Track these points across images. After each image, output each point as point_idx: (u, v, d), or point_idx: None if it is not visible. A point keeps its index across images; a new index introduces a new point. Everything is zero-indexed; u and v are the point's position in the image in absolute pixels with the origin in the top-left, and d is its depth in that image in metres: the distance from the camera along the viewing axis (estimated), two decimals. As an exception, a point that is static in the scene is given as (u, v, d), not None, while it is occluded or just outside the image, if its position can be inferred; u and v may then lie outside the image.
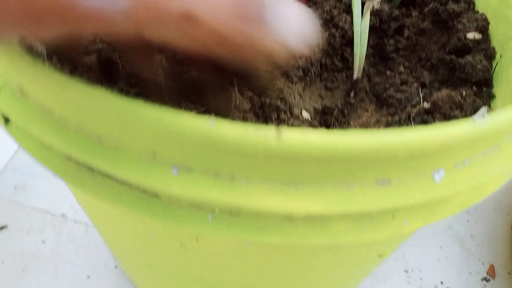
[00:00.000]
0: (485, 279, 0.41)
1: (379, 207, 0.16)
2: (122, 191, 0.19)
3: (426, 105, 0.27)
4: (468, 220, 0.46)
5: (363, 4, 0.31)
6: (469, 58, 0.29)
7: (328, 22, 0.32)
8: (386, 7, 0.32)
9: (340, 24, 0.32)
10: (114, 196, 0.19)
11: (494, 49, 0.29)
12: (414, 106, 0.28)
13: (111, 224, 0.26)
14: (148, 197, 0.18)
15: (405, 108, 0.28)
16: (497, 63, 0.29)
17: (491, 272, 0.42)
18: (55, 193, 0.45)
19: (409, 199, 0.16)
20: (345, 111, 0.30)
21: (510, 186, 0.49)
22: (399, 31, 0.33)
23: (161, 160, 0.16)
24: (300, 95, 0.28)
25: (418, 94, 0.28)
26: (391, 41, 0.33)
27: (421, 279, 0.41)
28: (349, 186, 0.16)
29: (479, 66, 0.28)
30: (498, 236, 0.44)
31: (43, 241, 0.42)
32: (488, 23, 0.30)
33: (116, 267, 0.40)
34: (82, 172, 0.19)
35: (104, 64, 0.29)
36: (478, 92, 0.28)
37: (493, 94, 0.28)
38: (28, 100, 0.18)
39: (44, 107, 0.18)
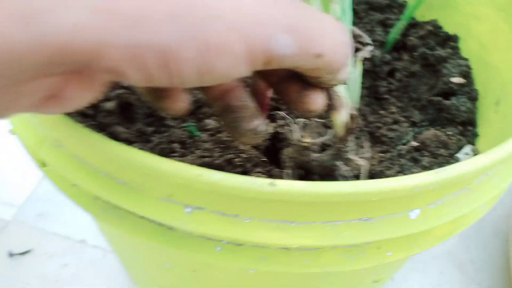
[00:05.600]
0: (484, 305, 0.43)
1: (362, 240, 0.19)
2: (142, 225, 0.22)
3: (415, 143, 0.30)
4: (467, 247, 0.48)
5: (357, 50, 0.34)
6: (454, 100, 0.31)
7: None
8: (377, 52, 0.36)
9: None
10: (135, 229, 0.22)
11: (477, 91, 0.32)
12: (405, 144, 0.31)
13: (131, 252, 0.29)
14: (165, 229, 0.21)
15: (397, 145, 0.31)
16: (480, 105, 0.32)
17: (490, 298, 0.43)
18: (76, 220, 0.49)
19: (388, 233, 0.19)
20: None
21: (508, 214, 0.50)
22: (391, 73, 0.36)
23: (176, 200, 0.19)
24: (300, 133, 0.31)
25: (408, 133, 0.31)
26: (384, 83, 0.36)
27: (421, 304, 0.43)
28: (335, 223, 0.19)
29: (463, 108, 0.31)
30: (496, 262, 0.46)
31: (65, 265, 0.45)
32: (470, 69, 0.33)
33: (132, 290, 0.42)
34: (108, 209, 0.22)
35: (123, 107, 0.32)
36: (463, 131, 0.31)
37: (477, 133, 0.31)
38: (63, 150, 0.22)
39: (77, 156, 0.21)
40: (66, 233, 0.48)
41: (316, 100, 0.18)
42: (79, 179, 0.21)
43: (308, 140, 0.26)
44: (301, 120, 0.29)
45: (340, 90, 0.23)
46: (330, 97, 0.22)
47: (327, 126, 0.27)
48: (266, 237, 0.19)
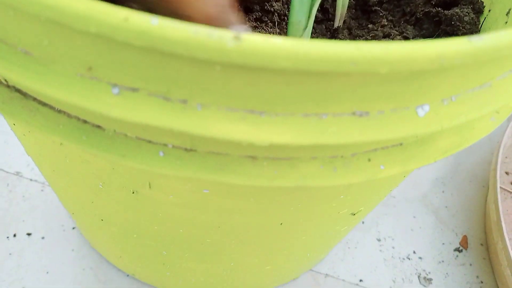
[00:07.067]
0: (457, 249, 0.41)
1: (353, 141, 0.14)
2: (59, 120, 0.16)
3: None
4: (443, 191, 0.45)
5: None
6: (456, 9, 0.27)
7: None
8: (371, -46, 0.30)
9: (322, -30, 0.29)
10: (50, 126, 0.16)
11: (482, 3, 0.28)
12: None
13: (59, 171, 0.23)
14: (89, 127, 0.16)
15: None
16: (485, 18, 0.27)
17: (464, 243, 0.41)
18: (10, 150, 0.42)
19: (388, 134, 0.14)
20: (323, 62, 0.27)
21: (486, 160, 0.48)
22: (384, -19, 0.31)
23: (99, 77, 0.13)
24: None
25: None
26: (375, -8, 0.30)
27: (393, 248, 0.40)
28: (321, 117, 0.14)
29: (466, 18, 0.26)
30: (472, 208, 0.44)
31: (-5, 201, 0.39)
32: (478, -25, 0.28)
33: (73, 228, 0.37)
34: (13, 99, 0.17)
35: None
36: (464, 47, 0.27)
37: (479, 50, 0.27)
38: None
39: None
40: (-2, 165, 0.41)
41: None
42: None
43: None
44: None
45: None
46: None
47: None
48: (227, 132, 0.13)
